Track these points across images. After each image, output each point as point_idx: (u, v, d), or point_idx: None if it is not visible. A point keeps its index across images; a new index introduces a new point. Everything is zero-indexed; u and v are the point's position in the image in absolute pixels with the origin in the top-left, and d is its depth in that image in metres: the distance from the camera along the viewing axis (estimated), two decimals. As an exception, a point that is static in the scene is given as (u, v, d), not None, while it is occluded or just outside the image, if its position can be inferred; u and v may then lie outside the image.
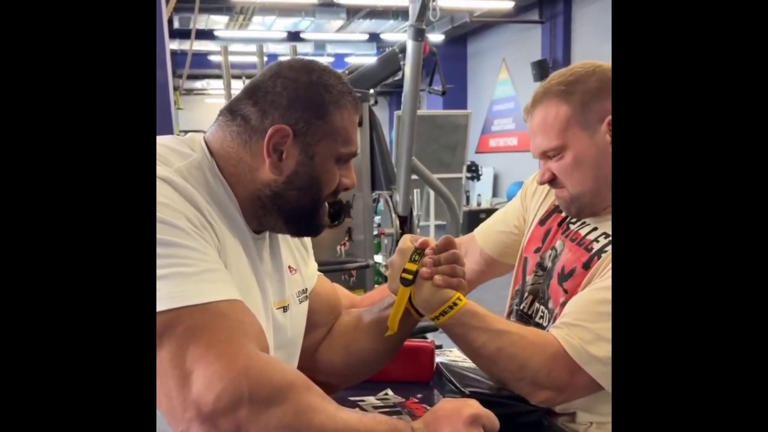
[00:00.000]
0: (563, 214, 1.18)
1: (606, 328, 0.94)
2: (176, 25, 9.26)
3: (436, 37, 10.27)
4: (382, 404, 1.20)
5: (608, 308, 0.94)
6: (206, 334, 0.72)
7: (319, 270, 1.15)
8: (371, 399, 1.22)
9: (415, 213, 3.18)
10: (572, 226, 1.14)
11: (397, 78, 2.96)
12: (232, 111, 0.89)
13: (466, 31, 11.06)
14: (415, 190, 4.16)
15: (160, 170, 0.79)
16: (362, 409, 1.17)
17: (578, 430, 1.04)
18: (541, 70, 8.71)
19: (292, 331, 0.99)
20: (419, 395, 1.24)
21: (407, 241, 1.01)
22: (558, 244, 1.15)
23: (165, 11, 3.72)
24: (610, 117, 1.04)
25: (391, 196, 2.61)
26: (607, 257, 1.02)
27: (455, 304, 0.98)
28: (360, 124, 2.68)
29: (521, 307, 1.19)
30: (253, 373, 0.71)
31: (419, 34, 2.42)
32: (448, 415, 0.79)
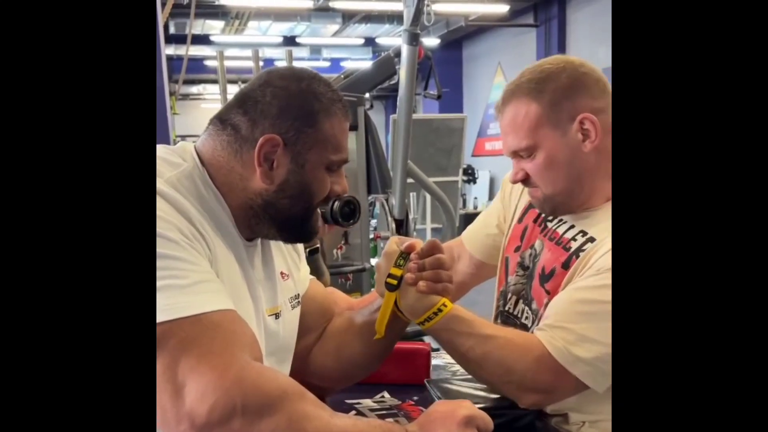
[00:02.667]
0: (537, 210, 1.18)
1: (588, 328, 0.94)
2: (172, 30, 9.25)
3: (431, 41, 10.29)
4: (378, 407, 1.20)
5: (589, 308, 0.95)
6: (198, 345, 0.72)
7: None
8: (368, 402, 1.22)
9: (411, 216, 3.19)
10: (550, 224, 1.14)
11: (392, 82, 2.96)
12: (222, 120, 0.89)
13: (462, 35, 11.08)
14: (411, 194, 4.16)
15: None
16: (359, 411, 1.18)
17: (571, 430, 1.05)
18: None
19: (285, 337, 0.99)
20: (415, 398, 1.24)
21: (393, 245, 1.01)
22: (537, 243, 1.15)
23: (161, 16, 3.72)
24: (581, 116, 1.03)
25: (387, 200, 2.62)
26: (585, 256, 1.02)
27: (440, 309, 0.98)
28: (355, 128, 2.70)
29: (506, 309, 1.19)
30: (246, 384, 0.72)
31: (414, 39, 2.42)
32: (442, 417, 0.79)
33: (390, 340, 1.06)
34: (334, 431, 0.75)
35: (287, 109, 0.87)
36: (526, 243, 1.18)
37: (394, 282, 0.99)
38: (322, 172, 0.90)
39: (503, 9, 9.18)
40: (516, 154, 1.09)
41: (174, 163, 0.87)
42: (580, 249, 1.04)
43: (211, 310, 0.75)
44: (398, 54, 2.60)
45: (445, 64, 10.97)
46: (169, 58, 9.11)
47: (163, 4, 4.30)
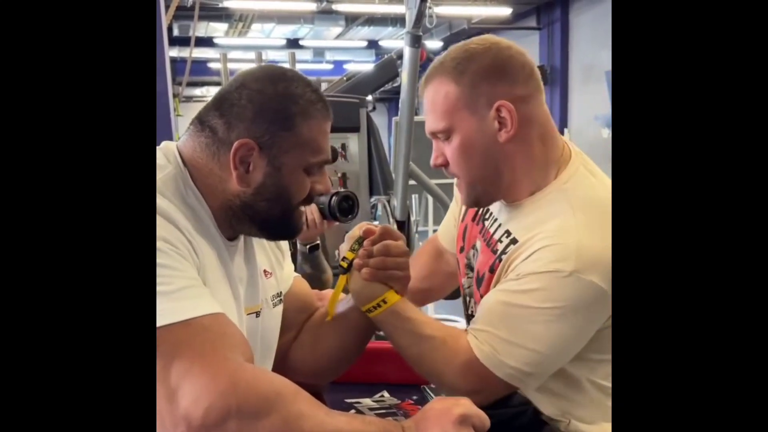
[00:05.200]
0: (475, 208, 1.16)
1: (511, 333, 0.95)
2: (176, 32, 9.27)
3: (434, 44, 10.29)
4: (378, 406, 1.21)
5: (511, 312, 0.95)
6: (190, 349, 0.73)
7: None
8: (367, 401, 1.23)
9: (413, 218, 3.19)
10: (486, 223, 1.12)
11: (395, 84, 2.98)
12: (201, 121, 0.90)
13: (465, 38, 11.03)
14: (413, 196, 4.16)
15: None
16: (358, 411, 1.19)
17: (560, 428, 1.05)
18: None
19: (264, 335, 0.99)
20: (414, 397, 1.25)
21: (357, 229, 1.01)
22: (477, 244, 1.13)
23: (164, 19, 3.73)
24: (498, 103, 0.98)
25: (389, 201, 2.62)
26: (507, 259, 1.01)
27: (381, 304, 0.99)
28: (357, 130, 2.70)
29: (469, 312, 1.18)
30: (241, 386, 0.73)
31: (416, 41, 2.43)
32: (437, 414, 0.79)
33: (365, 331, 1.06)
34: (329, 429, 0.76)
35: (262, 112, 0.86)
36: (468, 243, 1.18)
37: (344, 265, 0.99)
38: (300, 175, 0.90)
39: (506, 12, 9.19)
40: (435, 135, 1.05)
41: (160, 165, 0.87)
42: (503, 252, 1.03)
43: (201, 315, 0.76)
44: (401, 56, 2.61)
45: (448, 67, 10.94)
46: (173, 60, 9.11)
47: (167, 7, 4.32)
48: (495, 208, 1.11)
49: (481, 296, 1.06)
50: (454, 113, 1.00)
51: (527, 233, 0.99)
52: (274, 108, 0.87)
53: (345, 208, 1.34)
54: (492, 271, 1.04)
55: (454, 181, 1.14)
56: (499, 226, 1.07)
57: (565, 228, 0.95)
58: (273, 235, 0.98)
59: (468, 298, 1.18)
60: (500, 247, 1.04)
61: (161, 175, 0.86)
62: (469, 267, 1.16)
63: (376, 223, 2.93)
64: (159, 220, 0.80)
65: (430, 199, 5.20)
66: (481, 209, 1.15)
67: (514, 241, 1.01)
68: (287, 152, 0.88)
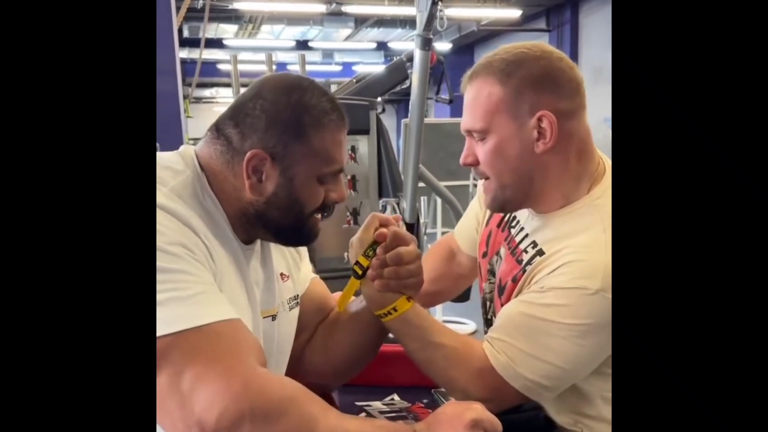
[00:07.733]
0: (500, 214, 1.15)
1: (530, 344, 0.94)
2: (186, 33, 9.32)
3: (443, 46, 10.30)
4: (388, 409, 1.21)
5: (533, 324, 0.94)
6: (203, 355, 0.74)
7: (326, 277, 1.16)
8: (377, 404, 1.23)
9: (422, 220, 3.19)
10: (512, 231, 1.11)
11: (404, 86, 2.98)
12: (218, 129, 0.91)
13: (474, 40, 11.08)
14: (422, 198, 4.16)
15: (157, 196, 0.81)
16: (368, 413, 1.19)
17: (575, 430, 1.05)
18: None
19: (280, 339, 0.99)
20: (425, 400, 1.25)
21: (370, 231, 0.98)
22: (502, 251, 1.12)
23: (175, 20, 3.76)
24: (540, 112, 0.96)
25: (398, 204, 2.62)
26: (532, 270, 1.00)
27: (391, 312, 0.98)
28: (367, 132, 2.70)
29: (488, 317, 1.17)
30: (254, 390, 0.73)
31: (426, 43, 2.43)
32: (449, 418, 0.80)
33: (377, 332, 1.05)
34: None
35: (275, 123, 0.87)
36: (492, 249, 1.16)
37: (360, 271, 0.99)
38: (313, 184, 0.90)
39: (516, 14, 9.19)
40: (470, 133, 1.03)
41: (178, 170, 0.88)
42: (528, 263, 1.02)
43: (215, 321, 0.76)
44: (410, 58, 2.61)
45: (457, 69, 10.87)
46: (183, 62, 9.15)
47: (178, 8, 4.34)
48: (522, 216, 1.10)
49: (502, 305, 1.05)
50: (494, 115, 0.98)
51: (555, 246, 0.98)
52: (286, 119, 0.88)
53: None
54: (515, 281, 1.03)
55: (480, 182, 1.11)
56: (526, 236, 1.06)
57: (593, 244, 0.94)
58: (288, 241, 0.98)
59: (488, 303, 1.17)
60: (525, 257, 1.03)
61: (180, 179, 0.87)
62: (492, 273, 1.15)
63: (390, 214, 2.94)
64: (177, 225, 0.81)
65: (439, 201, 5.20)
66: (507, 216, 1.14)
67: (540, 253, 1.00)
68: (299, 163, 0.88)
